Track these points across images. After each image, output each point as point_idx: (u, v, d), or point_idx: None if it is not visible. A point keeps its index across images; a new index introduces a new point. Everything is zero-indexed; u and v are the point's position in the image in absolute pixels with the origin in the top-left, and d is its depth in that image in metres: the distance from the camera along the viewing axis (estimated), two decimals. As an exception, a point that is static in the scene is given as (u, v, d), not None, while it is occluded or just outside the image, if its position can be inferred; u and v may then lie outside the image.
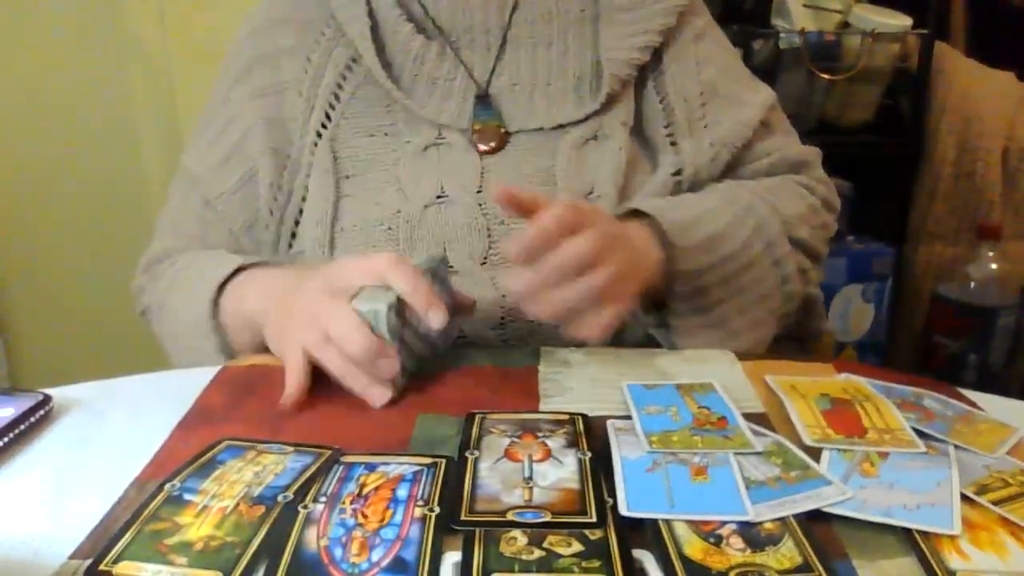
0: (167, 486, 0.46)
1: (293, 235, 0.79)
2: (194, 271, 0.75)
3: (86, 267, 1.71)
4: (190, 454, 0.49)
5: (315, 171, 0.76)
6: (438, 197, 0.73)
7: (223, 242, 0.79)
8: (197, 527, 0.42)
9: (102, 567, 0.39)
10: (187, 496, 0.45)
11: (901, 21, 1.55)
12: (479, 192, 0.73)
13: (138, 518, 0.43)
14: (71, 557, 0.41)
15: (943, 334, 1.56)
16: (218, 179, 0.78)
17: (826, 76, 1.52)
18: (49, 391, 0.56)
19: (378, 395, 0.57)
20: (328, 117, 0.77)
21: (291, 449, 0.50)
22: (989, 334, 1.52)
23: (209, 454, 0.49)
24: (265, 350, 0.65)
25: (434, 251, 0.71)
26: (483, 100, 0.76)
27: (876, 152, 1.66)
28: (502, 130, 0.76)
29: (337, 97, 0.77)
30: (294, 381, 0.57)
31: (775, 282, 0.73)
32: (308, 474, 0.47)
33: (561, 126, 0.76)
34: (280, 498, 0.44)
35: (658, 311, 0.71)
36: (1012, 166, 1.62)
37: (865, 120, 1.63)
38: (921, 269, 1.67)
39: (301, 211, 0.78)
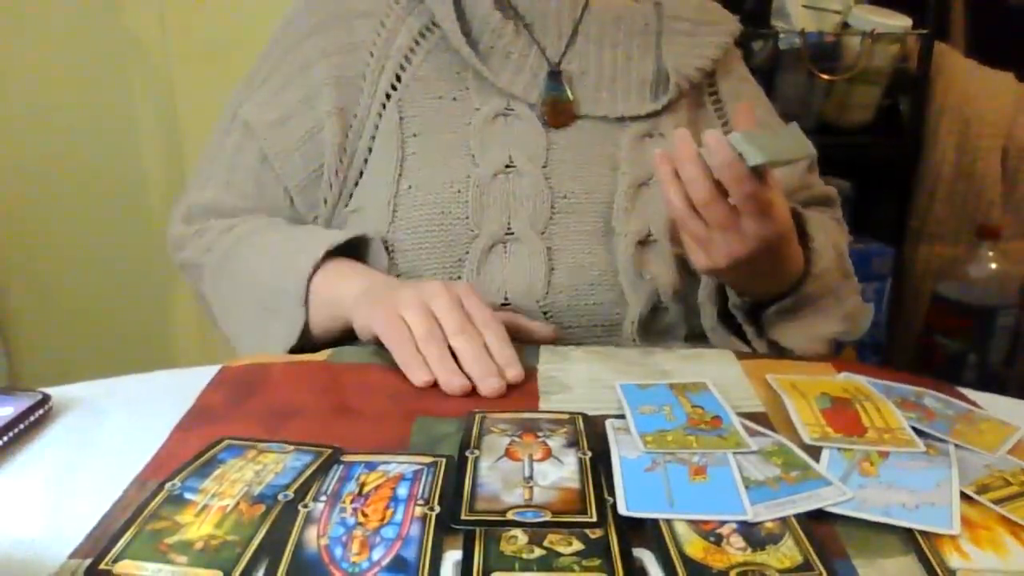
0: (167, 485, 0.46)
1: (350, 196, 0.80)
2: (272, 242, 0.76)
3: (86, 267, 1.71)
4: (190, 454, 0.49)
5: (380, 132, 0.78)
6: (507, 166, 0.76)
7: (276, 203, 0.81)
8: (197, 526, 0.42)
9: (102, 566, 0.39)
10: (187, 495, 0.45)
11: (901, 21, 1.55)
12: (544, 167, 0.77)
13: (138, 517, 0.43)
14: (71, 557, 0.41)
15: (943, 334, 1.56)
16: (280, 135, 0.79)
17: (826, 77, 1.52)
18: (48, 391, 0.56)
19: None
20: (398, 79, 0.78)
21: (291, 448, 0.50)
22: (989, 334, 1.52)
23: (209, 453, 0.49)
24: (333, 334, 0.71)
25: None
26: (555, 77, 0.80)
27: (876, 152, 1.66)
28: (571, 108, 0.79)
29: (408, 60, 0.79)
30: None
31: (851, 304, 0.80)
32: (308, 473, 0.47)
33: (623, 119, 0.80)
34: (280, 497, 0.44)
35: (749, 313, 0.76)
36: (1012, 166, 1.62)
37: (865, 120, 1.62)
38: (921, 269, 1.67)
39: (361, 173, 0.79)
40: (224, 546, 0.41)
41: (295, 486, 0.45)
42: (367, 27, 0.79)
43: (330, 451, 0.49)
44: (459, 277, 0.74)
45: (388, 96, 0.78)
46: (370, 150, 0.78)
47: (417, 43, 0.79)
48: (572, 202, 0.76)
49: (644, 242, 0.77)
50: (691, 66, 0.82)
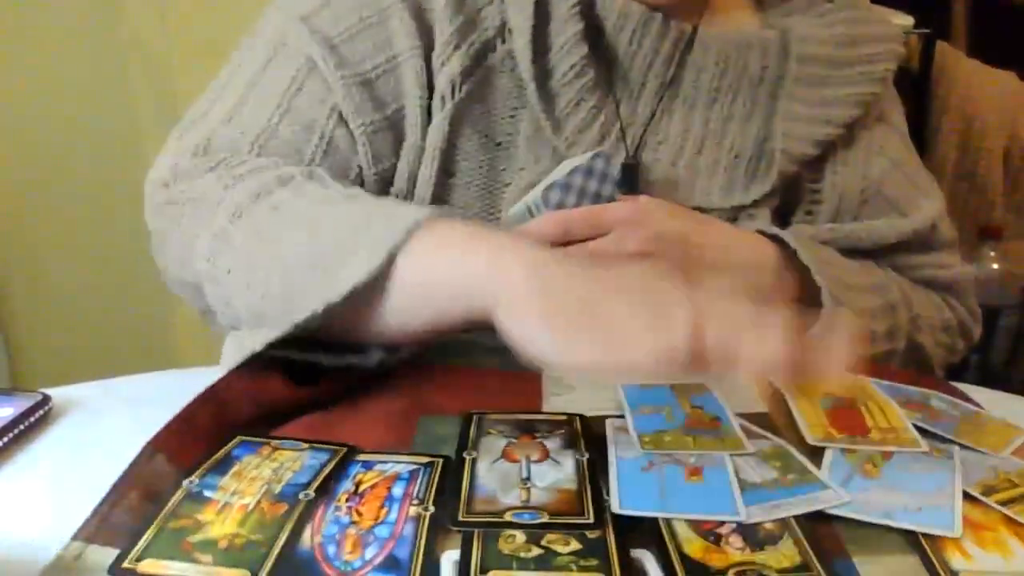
0: (185, 483, 0.45)
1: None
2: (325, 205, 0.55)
3: (86, 267, 1.71)
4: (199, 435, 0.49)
5: (427, 145, 0.64)
6: None
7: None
8: (219, 524, 0.42)
9: (126, 564, 0.39)
10: (207, 493, 0.44)
11: (902, 21, 1.54)
12: None
13: (158, 515, 0.42)
14: (73, 538, 0.41)
15: (945, 334, 1.56)
16: (363, 104, 0.62)
17: (827, 76, 1.52)
18: (48, 391, 0.56)
19: None
20: (453, 92, 0.63)
21: (306, 446, 0.49)
22: (990, 334, 1.52)
23: (224, 450, 0.49)
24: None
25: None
26: (629, 168, 0.64)
27: (877, 152, 1.66)
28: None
29: (471, 72, 0.63)
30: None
31: None
32: (327, 471, 0.46)
33: (700, 208, 0.66)
34: (301, 496, 0.44)
35: None
36: (1014, 166, 1.62)
37: (866, 120, 1.62)
38: (923, 269, 1.67)
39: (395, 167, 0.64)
40: (249, 545, 0.40)
41: (315, 484, 0.45)
42: (437, 16, 0.62)
43: (345, 449, 0.49)
44: None
45: (442, 101, 0.62)
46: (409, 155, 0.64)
47: (485, 55, 0.63)
48: None
49: None
50: (810, 138, 0.65)
